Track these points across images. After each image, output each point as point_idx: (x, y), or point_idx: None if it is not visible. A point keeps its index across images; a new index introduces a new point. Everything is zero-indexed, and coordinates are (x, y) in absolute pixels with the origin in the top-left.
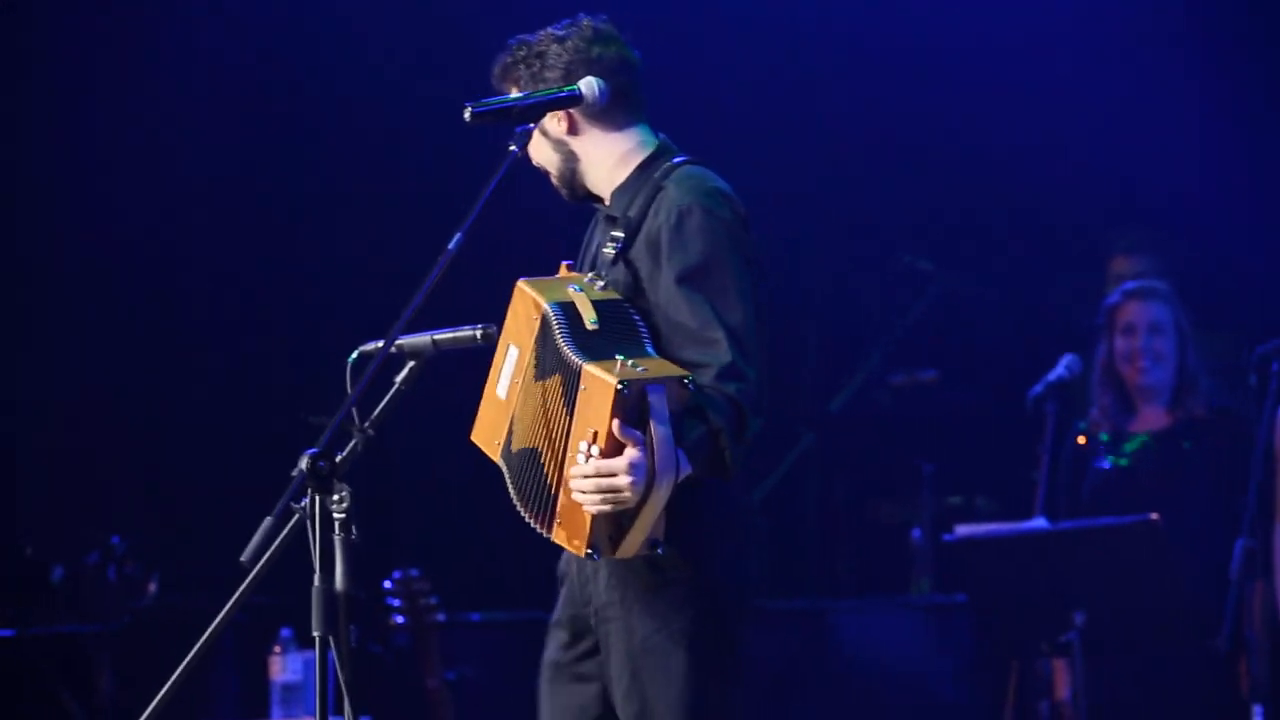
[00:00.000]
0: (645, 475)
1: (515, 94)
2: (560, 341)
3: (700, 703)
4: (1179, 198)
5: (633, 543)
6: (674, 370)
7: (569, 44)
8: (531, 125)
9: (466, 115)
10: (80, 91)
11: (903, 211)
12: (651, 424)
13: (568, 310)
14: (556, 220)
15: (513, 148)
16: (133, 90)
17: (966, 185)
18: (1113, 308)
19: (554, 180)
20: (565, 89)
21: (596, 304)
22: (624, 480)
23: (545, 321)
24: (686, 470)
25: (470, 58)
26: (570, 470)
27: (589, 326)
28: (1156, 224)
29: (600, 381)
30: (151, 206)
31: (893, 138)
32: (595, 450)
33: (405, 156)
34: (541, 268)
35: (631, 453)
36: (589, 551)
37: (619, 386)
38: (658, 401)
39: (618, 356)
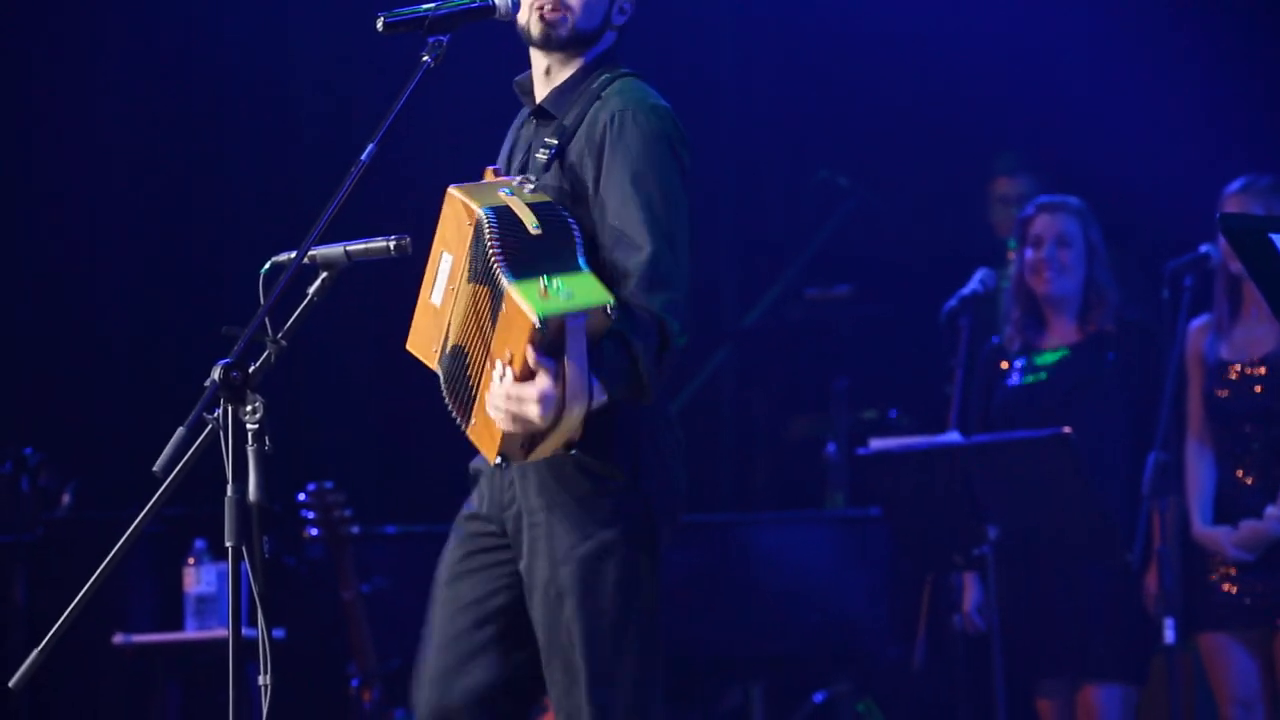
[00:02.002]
0: (554, 406)
1: None
2: (491, 250)
3: (627, 614)
4: (1092, 114)
5: (544, 451)
6: (598, 296)
7: None
8: (445, 37)
9: (379, 25)
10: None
11: (819, 126)
12: (565, 356)
13: (503, 215)
14: (473, 131)
15: (425, 58)
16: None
17: (883, 100)
18: (1024, 221)
19: (570, 27)
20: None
21: (532, 206)
22: (533, 409)
23: (479, 228)
24: (600, 399)
25: None
26: (487, 381)
27: (532, 231)
28: (1072, 140)
29: (519, 311)
30: (60, 117)
31: (811, 54)
32: (509, 372)
33: (319, 66)
34: (460, 178)
35: (542, 381)
36: (499, 460)
37: (536, 324)
38: (576, 332)
39: (542, 279)
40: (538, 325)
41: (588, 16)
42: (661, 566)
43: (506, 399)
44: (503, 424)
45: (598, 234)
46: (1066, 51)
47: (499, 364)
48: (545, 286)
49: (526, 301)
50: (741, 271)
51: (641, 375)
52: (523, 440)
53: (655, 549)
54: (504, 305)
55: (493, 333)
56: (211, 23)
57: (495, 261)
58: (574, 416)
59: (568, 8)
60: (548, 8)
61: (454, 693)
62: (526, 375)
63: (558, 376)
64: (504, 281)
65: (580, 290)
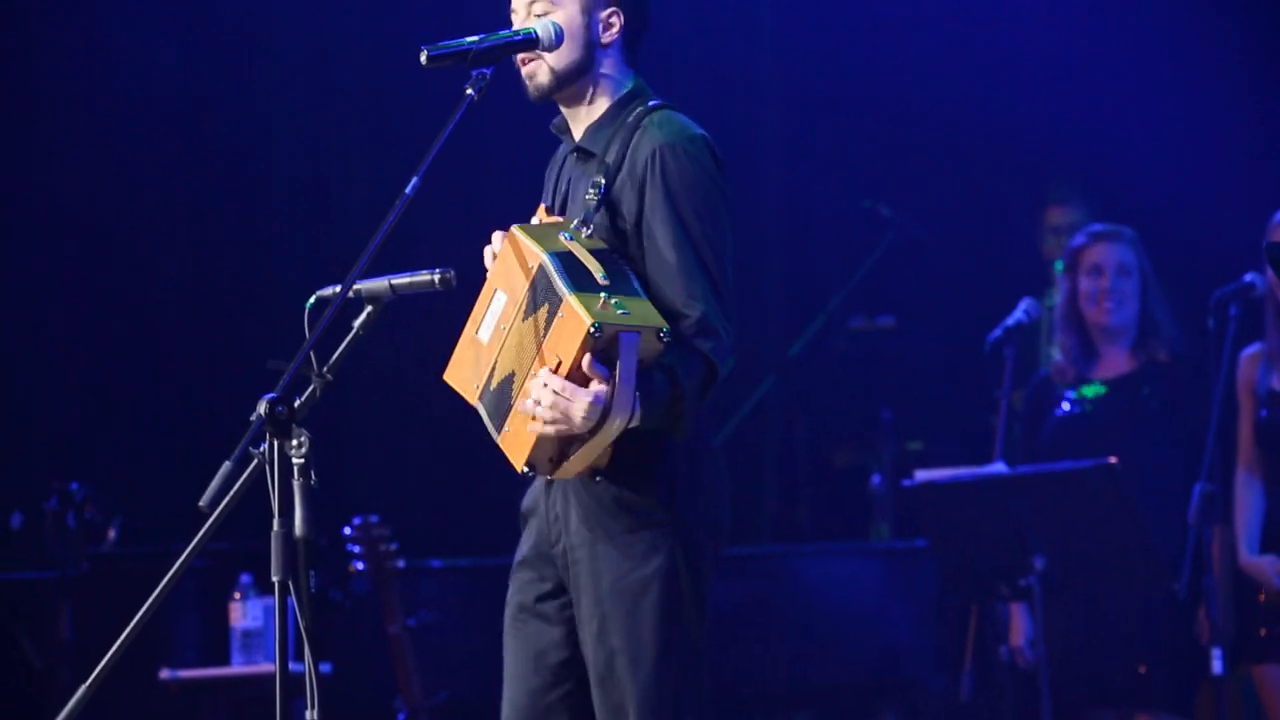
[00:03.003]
0: (600, 411)
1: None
2: (556, 279)
3: (669, 648)
4: (1138, 144)
5: (572, 469)
6: (654, 320)
7: None
8: (488, 70)
9: (423, 59)
10: (34, 33)
11: (864, 156)
12: (618, 366)
13: (566, 260)
14: (516, 165)
15: (469, 91)
16: (86, 29)
17: (927, 131)
18: (1078, 249)
19: (546, 70)
20: (521, 31)
21: (594, 253)
22: (580, 406)
23: (543, 270)
24: (637, 421)
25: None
26: (529, 383)
27: (600, 281)
28: (1115, 172)
29: (575, 316)
30: (106, 148)
31: (854, 85)
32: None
33: (365, 99)
34: (502, 211)
35: (595, 385)
36: (526, 468)
37: (591, 329)
38: (628, 347)
39: (602, 295)
40: (592, 330)
41: (560, 54)
42: (707, 599)
43: (555, 393)
44: (544, 416)
45: (648, 276)
46: (1110, 81)
47: (543, 371)
48: (605, 300)
49: (584, 308)
50: (786, 302)
51: (682, 413)
52: (553, 452)
53: (698, 580)
54: (561, 311)
55: (543, 342)
56: (257, 56)
57: (559, 281)
58: (612, 430)
59: (556, 63)
60: (524, 65)
61: None
62: (577, 381)
63: (609, 382)
64: (564, 291)
65: (637, 311)
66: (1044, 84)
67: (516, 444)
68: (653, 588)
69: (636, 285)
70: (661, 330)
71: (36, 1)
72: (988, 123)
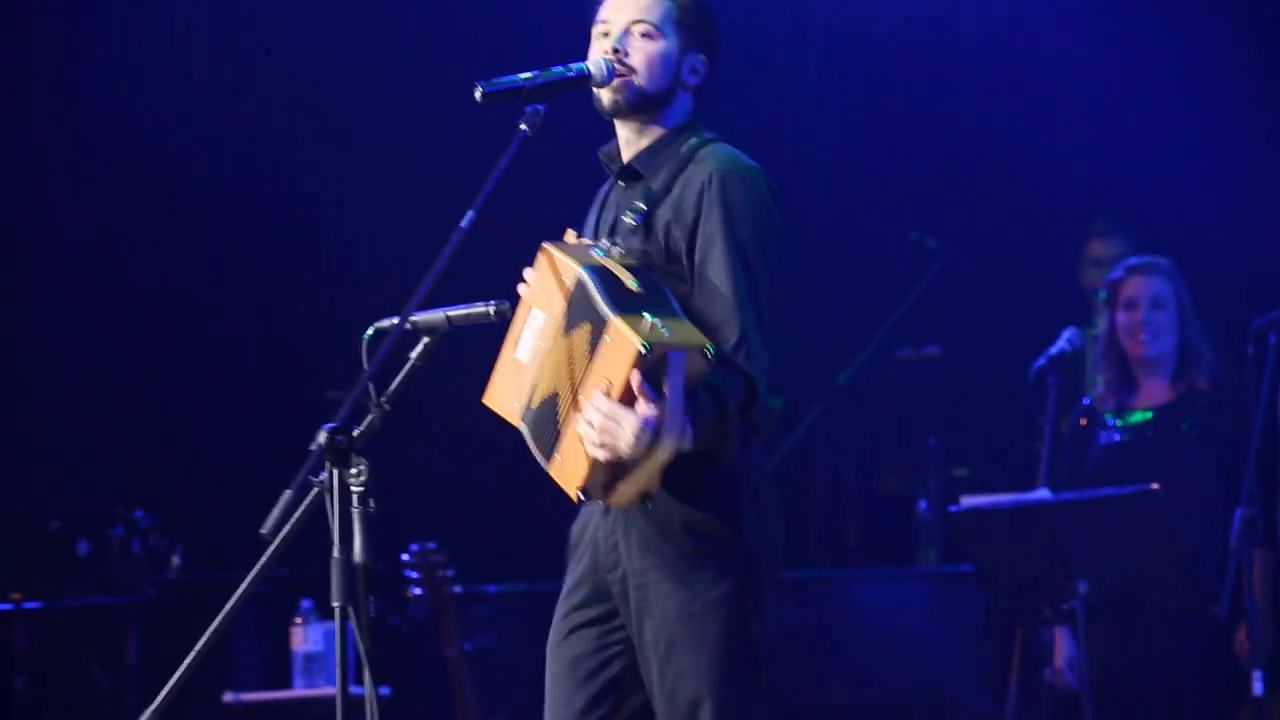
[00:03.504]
0: (652, 433)
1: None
2: (596, 296)
3: (738, 671)
4: (1178, 180)
5: (624, 494)
6: (698, 339)
7: (707, 14)
8: (541, 106)
9: (477, 95)
10: (83, 53)
11: (910, 190)
12: (666, 387)
13: (602, 274)
14: (566, 196)
15: (523, 127)
16: (141, 55)
17: (972, 165)
18: (1116, 283)
19: (634, 89)
20: (574, 68)
21: (628, 268)
22: (629, 430)
23: (580, 286)
24: (688, 443)
25: (484, 34)
26: (582, 405)
27: (634, 289)
28: (1156, 204)
29: (624, 338)
30: (168, 181)
31: (902, 119)
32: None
33: (420, 134)
34: (540, 238)
35: (644, 407)
36: (580, 494)
37: (641, 349)
38: (675, 368)
39: (646, 315)
40: (643, 351)
41: (652, 78)
42: (766, 621)
43: (605, 417)
44: (594, 439)
45: (694, 297)
46: (1152, 114)
47: (595, 393)
48: (650, 321)
49: (631, 330)
50: (834, 332)
51: (730, 432)
52: (605, 478)
53: (760, 602)
54: (606, 335)
55: (589, 367)
56: (316, 86)
57: (599, 300)
58: (663, 452)
59: (631, 70)
60: (618, 85)
61: None
62: (627, 400)
63: (659, 404)
64: (608, 314)
65: (681, 331)
66: (1087, 118)
67: (569, 471)
68: (720, 610)
69: (674, 302)
70: (706, 349)
71: (69, 15)
72: (1032, 156)
